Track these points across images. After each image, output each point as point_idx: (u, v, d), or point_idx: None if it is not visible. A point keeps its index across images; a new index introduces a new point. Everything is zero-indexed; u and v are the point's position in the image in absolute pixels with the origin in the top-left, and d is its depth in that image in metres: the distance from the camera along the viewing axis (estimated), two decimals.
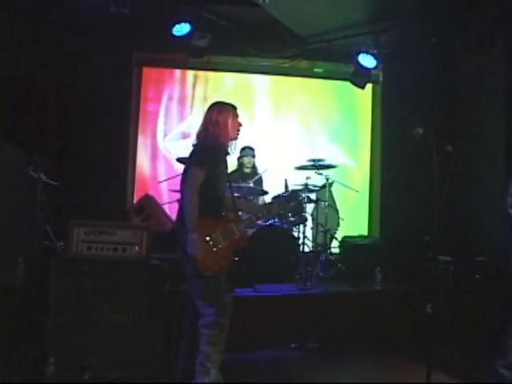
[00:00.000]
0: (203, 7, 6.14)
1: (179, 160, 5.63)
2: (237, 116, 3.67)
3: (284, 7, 5.94)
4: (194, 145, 3.64)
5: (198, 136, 3.63)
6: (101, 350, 3.67)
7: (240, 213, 4.14)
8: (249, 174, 6.21)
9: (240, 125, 3.68)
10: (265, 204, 6.00)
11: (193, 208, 3.33)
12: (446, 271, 5.49)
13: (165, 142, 7.27)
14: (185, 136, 7.24)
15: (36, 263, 4.46)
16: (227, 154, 3.67)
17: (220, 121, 3.55)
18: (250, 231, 5.36)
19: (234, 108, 3.69)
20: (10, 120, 6.06)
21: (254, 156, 6.33)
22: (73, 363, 3.59)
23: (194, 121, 7.07)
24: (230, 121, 3.58)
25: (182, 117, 7.38)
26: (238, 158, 6.30)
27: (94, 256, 3.78)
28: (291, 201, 4.20)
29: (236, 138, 3.69)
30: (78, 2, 5.70)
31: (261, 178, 6.26)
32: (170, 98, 7.34)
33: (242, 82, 7.49)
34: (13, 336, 3.80)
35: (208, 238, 3.41)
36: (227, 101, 3.74)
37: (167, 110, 7.32)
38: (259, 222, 5.22)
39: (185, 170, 3.56)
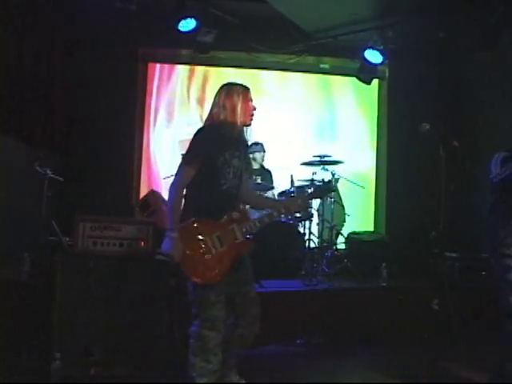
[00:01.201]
0: (209, 3, 6.14)
1: None
2: (249, 98, 3.17)
3: (290, 2, 5.93)
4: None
5: (205, 122, 3.21)
6: (105, 346, 3.67)
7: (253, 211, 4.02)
8: (256, 170, 6.19)
9: (253, 108, 3.17)
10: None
11: (175, 206, 3.01)
12: (453, 267, 5.48)
13: (154, 144, 7.21)
14: (169, 124, 7.24)
15: (42, 259, 4.46)
16: (239, 141, 3.20)
17: (228, 104, 3.08)
18: None
19: (246, 89, 3.17)
20: (17, 116, 6.08)
21: (264, 151, 6.30)
22: (79, 358, 3.60)
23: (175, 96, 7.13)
24: (239, 104, 3.09)
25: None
26: None
27: (100, 251, 3.78)
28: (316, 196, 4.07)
29: (249, 124, 3.19)
30: None
31: (270, 173, 6.24)
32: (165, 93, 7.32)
33: (247, 77, 7.46)
34: (19, 331, 3.81)
35: (201, 243, 2.99)
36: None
37: (158, 105, 7.30)
38: None
39: None
